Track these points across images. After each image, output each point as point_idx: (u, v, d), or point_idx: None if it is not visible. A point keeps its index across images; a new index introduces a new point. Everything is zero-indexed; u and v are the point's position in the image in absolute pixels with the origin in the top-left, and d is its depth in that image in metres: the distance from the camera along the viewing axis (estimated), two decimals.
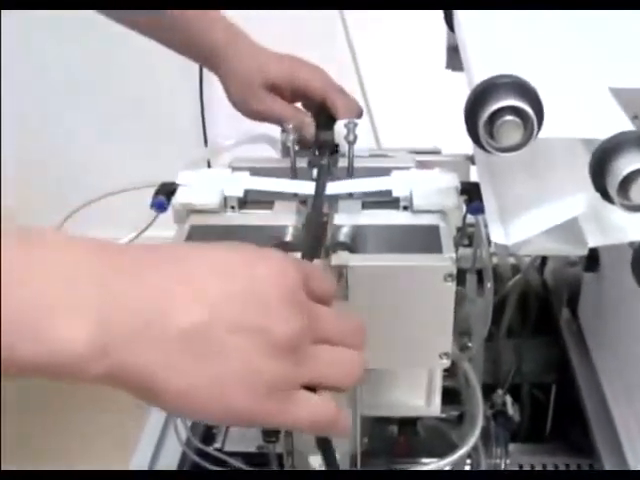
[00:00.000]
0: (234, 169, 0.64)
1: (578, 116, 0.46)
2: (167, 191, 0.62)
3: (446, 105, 1.09)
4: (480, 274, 0.71)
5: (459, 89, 0.73)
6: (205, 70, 1.61)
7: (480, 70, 0.47)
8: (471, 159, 0.69)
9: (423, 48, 1.51)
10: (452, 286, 0.52)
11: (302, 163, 0.65)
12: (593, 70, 0.50)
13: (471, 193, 0.61)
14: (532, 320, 0.89)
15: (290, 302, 0.38)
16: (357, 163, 0.64)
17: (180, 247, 0.43)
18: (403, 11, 1.50)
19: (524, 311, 0.89)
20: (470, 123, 0.44)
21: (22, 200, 1.82)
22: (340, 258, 0.52)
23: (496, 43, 0.54)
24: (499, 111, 0.43)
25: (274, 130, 0.71)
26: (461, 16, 0.61)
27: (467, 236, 0.76)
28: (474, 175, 0.67)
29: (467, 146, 0.62)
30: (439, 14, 0.70)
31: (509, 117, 0.43)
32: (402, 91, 1.62)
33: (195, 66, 1.61)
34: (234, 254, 0.40)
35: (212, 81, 1.61)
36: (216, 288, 0.37)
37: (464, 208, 0.61)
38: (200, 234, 0.56)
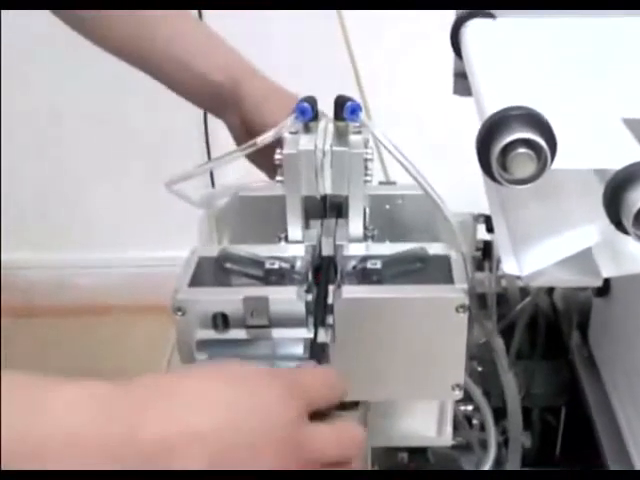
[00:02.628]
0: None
1: (591, 146, 0.45)
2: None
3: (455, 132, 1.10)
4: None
5: (468, 113, 0.73)
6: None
7: (491, 101, 0.47)
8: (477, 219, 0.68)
9: (431, 73, 1.52)
10: (464, 317, 0.52)
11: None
12: (606, 100, 0.49)
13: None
14: (542, 343, 0.88)
15: (283, 446, 0.39)
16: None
17: (179, 390, 0.40)
18: (409, 38, 1.50)
19: (534, 334, 0.88)
20: (482, 155, 0.44)
21: (24, 230, 1.82)
22: (351, 291, 0.52)
23: (506, 72, 0.53)
24: (511, 144, 0.43)
25: None
26: (469, 43, 0.61)
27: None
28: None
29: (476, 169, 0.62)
30: (446, 40, 0.70)
31: (522, 150, 0.42)
32: (409, 119, 1.62)
33: None
34: (234, 389, 0.40)
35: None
36: (212, 431, 0.38)
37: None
38: (210, 266, 0.56)
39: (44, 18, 0.71)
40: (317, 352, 0.51)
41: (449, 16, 0.67)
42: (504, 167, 0.43)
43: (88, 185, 1.79)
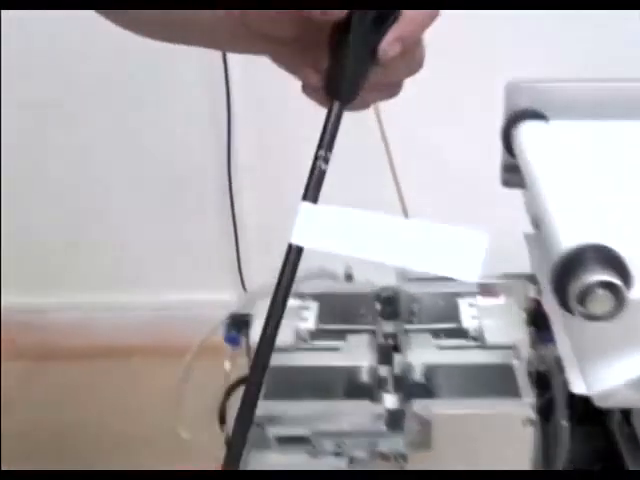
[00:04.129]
0: (301, 297, 0.65)
1: None
2: (238, 323, 0.63)
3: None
4: None
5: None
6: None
7: (564, 231, 0.48)
8: (530, 279, 0.69)
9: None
10: (530, 430, 0.53)
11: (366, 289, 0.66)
12: None
13: (537, 322, 0.62)
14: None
15: None
16: (421, 288, 0.66)
17: None
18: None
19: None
20: (559, 292, 0.46)
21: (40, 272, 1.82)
22: (423, 406, 0.53)
23: (573, 184, 0.54)
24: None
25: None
26: (526, 147, 0.62)
27: None
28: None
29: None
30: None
31: (599, 291, 0.44)
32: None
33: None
34: None
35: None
36: None
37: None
38: (277, 375, 0.57)
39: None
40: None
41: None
42: (581, 303, 0.45)
43: (105, 224, 1.79)
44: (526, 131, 0.64)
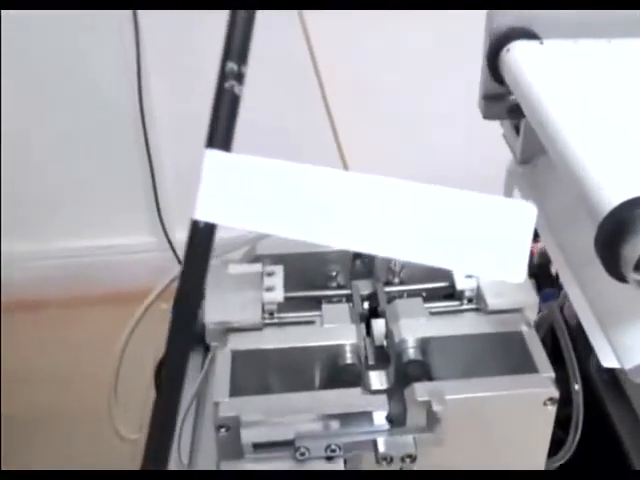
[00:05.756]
0: (260, 260, 0.55)
1: None
2: None
3: None
4: None
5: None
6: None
7: (603, 177, 0.39)
8: None
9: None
10: (552, 409, 0.46)
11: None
12: None
13: (538, 277, 0.54)
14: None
15: None
16: None
17: None
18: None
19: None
20: (607, 259, 0.37)
21: None
22: (429, 391, 0.44)
23: (593, 116, 0.46)
24: None
25: None
26: (524, 71, 0.52)
27: None
28: None
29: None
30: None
31: None
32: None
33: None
34: None
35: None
36: None
37: None
38: (245, 363, 0.47)
39: None
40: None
41: None
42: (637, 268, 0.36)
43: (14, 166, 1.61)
44: (520, 52, 0.54)
